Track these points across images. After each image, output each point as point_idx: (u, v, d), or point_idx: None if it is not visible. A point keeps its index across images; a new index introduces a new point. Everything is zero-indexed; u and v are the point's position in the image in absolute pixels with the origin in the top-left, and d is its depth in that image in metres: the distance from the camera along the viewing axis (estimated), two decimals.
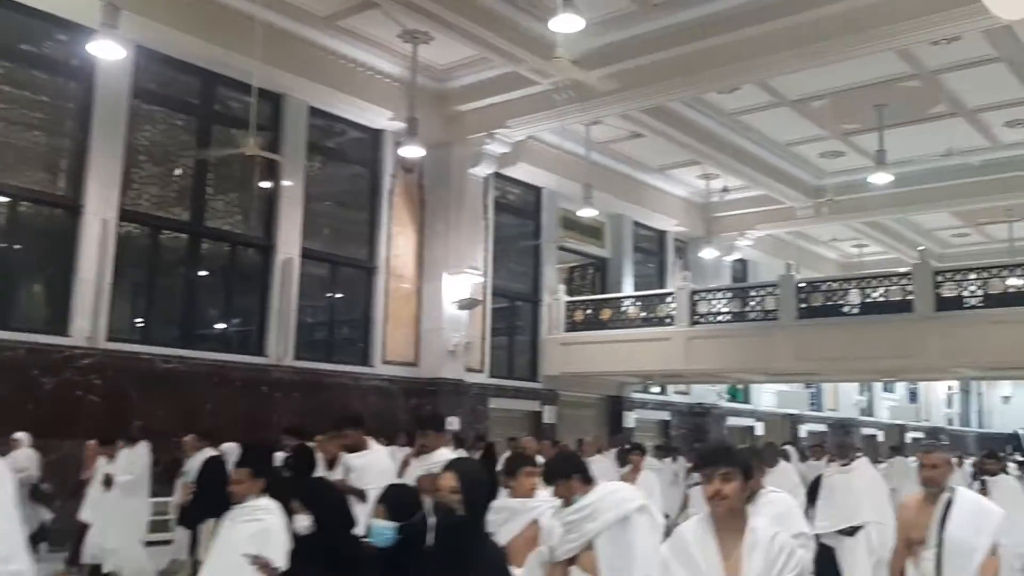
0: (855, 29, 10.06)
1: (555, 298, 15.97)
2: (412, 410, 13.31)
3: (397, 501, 3.51)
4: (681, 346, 14.35)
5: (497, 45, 11.30)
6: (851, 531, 7.32)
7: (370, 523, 3.84)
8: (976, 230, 20.46)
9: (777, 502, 4.37)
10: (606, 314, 15.57)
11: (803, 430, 22.05)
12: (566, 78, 11.63)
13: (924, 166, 15.64)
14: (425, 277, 13.87)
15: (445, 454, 6.57)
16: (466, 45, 11.64)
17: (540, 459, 5.56)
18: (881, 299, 13.06)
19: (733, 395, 20.44)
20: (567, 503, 3.91)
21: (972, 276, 12.38)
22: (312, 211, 12.62)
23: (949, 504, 4.22)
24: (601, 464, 9.70)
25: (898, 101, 13.31)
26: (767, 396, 21.14)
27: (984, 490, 8.01)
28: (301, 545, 4.48)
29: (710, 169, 16.49)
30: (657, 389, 18.31)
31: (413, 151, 12.01)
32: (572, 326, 15.83)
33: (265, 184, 11.84)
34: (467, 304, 13.71)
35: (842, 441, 19.31)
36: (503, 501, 4.21)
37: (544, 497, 4.15)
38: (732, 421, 19.77)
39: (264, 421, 10.90)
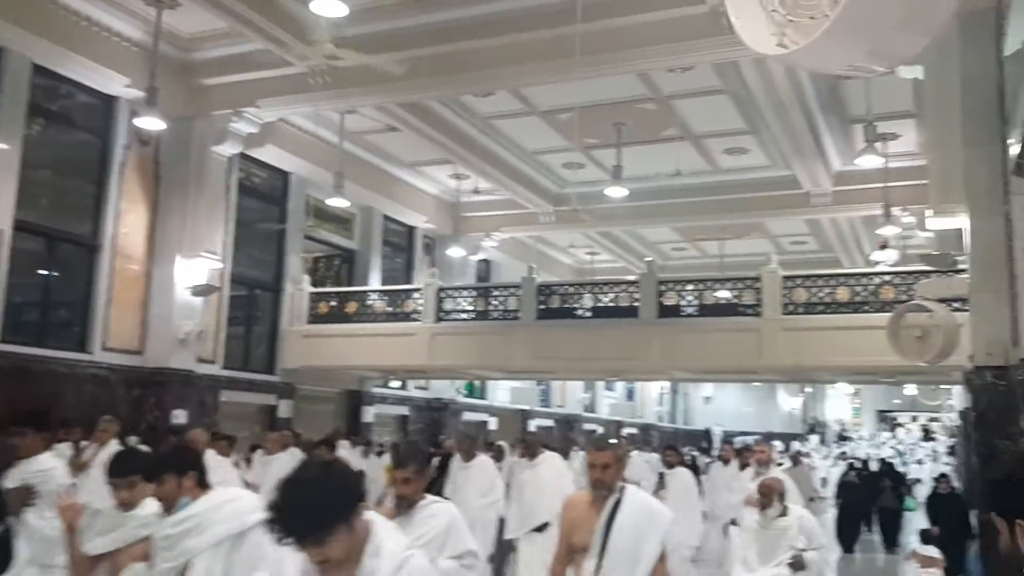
0: (601, 50, 10.64)
1: (299, 288, 15.51)
2: (135, 402, 12.36)
3: None
4: (426, 342, 14.49)
5: (250, 19, 10.75)
6: (543, 528, 7.58)
7: None
8: (693, 245, 22.49)
9: (440, 514, 3.89)
10: (351, 307, 15.37)
11: (533, 425, 23.11)
12: (324, 63, 11.32)
13: (654, 184, 16.93)
14: (157, 259, 12.89)
15: (46, 461, 5.88)
16: (216, 16, 10.98)
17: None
18: (611, 304, 14.01)
19: (470, 391, 21.00)
20: (169, 509, 3.19)
21: (690, 287, 13.60)
22: (29, 179, 11.26)
23: (617, 506, 3.80)
24: (285, 463, 8.75)
25: (635, 121, 14.32)
26: (501, 392, 21.93)
27: (662, 483, 8.68)
28: None
29: (461, 169, 16.79)
30: (397, 384, 18.37)
31: (151, 123, 11.11)
32: (315, 318, 15.46)
33: None
34: (202, 290, 12.93)
35: (564, 435, 20.57)
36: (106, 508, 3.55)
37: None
38: (468, 416, 20.28)
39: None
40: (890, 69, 2.93)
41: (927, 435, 34.83)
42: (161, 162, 13.01)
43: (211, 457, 7.75)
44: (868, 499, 15.57)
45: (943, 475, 10.97)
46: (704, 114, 13.97)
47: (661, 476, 8.90)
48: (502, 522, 8.52)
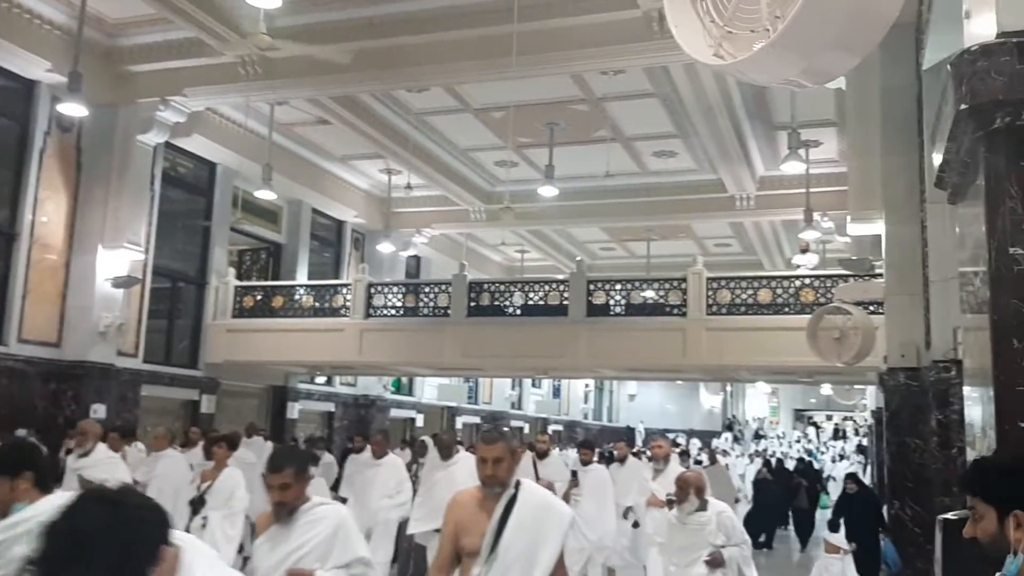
0: (537, 50, 10.74)
1: (224, 282, 15.23)
2: (52, 396, 11.98)
3: None
4: (354, 338, 14.40)
5: (179, 6, 10.54)
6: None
7: None
8: (620, 245, 22.81)
9: (325, 519, 3.57)
10: (278, 302, 15.17)
11: (460, 422, 23.15)
12: (255, 53, 11.14)
13: (584, 184, 17.11)
14: (77, 249, 12.51)
15: None
16: (144, 2, 10.70)
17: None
18: (541, 303, 14.15)
19: (397, 387, 20.92)
20: (3, 514, 2.79)
21: (618, 287, 13.85)
22: None
23: (511, 505, 3.41)
24: (173, 461, 8.53)
25: (568, 121, 14.47)
26: (429, 389, 21.90)
27: (576, 481, 8.39)
28: None
29: (393, 164, 16.70)
30: (323, 380, 18.18)
31: (74, 109, 10.73)
32: (240, 312, 15.22)
33: None
34: (124, 282, 12.60)
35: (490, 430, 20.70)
36: None
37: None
38: (395, 413, 20.20)
39: None
40: (820, 84, 3.06)
41: (837, 434, 36.05)
42: (83, 149, 12.63)
43: (101, 451, 7.44)
44: (783, 497, 15.55)
45: (850, 475, 11.29)
46: (635, 117, 14.21)
47: (574, 474, 8.74)
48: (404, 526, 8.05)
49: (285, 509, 3.52)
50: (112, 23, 11.96)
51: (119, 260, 12.56)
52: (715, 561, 5.45)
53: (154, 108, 12.56)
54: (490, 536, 3.35)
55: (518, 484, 3.48)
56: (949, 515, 3.04)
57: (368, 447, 9.05)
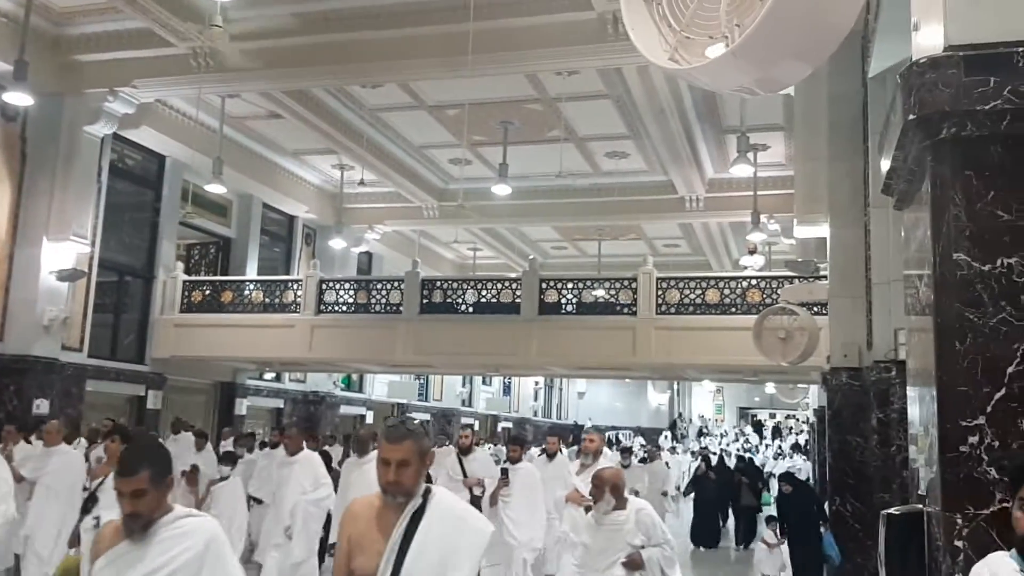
0: (492, 49, 10.80)
1: (172, 276, 15.02)
2: None
3: None
4: (305, 334, 14.32)
5: None
6: None
7: None
8: (572, 244, 22.98)
9: (192, 535, 2.93)
10: (227, 296, 15.01)
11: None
12: (211, 46, 11.01)
13: (538, 183, 17.23)
14: (20, 241, 12.24)
15: None
16: None
17: None
18: (494, 300, 14.21)
19: (347, 384, 20.81)
20: None
21: (570, 285, 13.98)
22: None
23: (418, 517, 2.81)
24: (66, 458, 7.87)
25: (522, 120, 14.55)
26: (379, 385, 21.82)
27: (506, 479, 7.97)
28: None
29: (346, 160, 16.61)
30: (272, 376, 18.01)
31: (18, 98, 10.50)
32: (188, 307, 15.02)
33: None
34: (69, 275, 12.36)
35: (440, 431, 20.64)
36: None
37: None
38: (345, 409, 20.09)
39: None
40: (772, 93, 3.15)
41: (777, 432, 36.70)
42: (28, 139, 12.36)
43: None
44: (723, 495, 15.30)
45: (784, 475, 11.31)
46: (588, 117, 14.34)
47: (504, 472, 8.08)
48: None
49: (139, 522, 2.87)
50: (60, 11, 11.71)
51: (64, 253, 12.32)
52: (633, 563, 5.00)
53: (102, 99, 12.34)
54: (388, 558, 2.75)
55: (427, 492, 2.87)
56: (892, 510, 3.18)
57: (282, 443, 8.35)
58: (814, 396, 21.47)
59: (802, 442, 29.53)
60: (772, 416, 39.94)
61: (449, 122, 14.79)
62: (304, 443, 8.00)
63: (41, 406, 11.79)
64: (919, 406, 3.06)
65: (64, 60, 12.19)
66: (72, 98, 12.38)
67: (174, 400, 15.19)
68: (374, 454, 7.21)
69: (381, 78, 12.57)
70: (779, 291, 11.90)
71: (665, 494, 13.82)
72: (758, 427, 38.64)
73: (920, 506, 2.95)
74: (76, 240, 12.48)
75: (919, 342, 3.03)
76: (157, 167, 15.01)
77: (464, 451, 8.59)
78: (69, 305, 12.50)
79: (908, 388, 3.50)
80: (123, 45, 11.92)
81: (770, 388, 30.44)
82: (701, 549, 14.13)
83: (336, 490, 7.87)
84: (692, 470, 18.73)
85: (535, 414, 33.60)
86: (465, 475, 8.23)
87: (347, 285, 14.86)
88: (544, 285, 13.94)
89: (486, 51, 10.71)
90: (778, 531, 9.74)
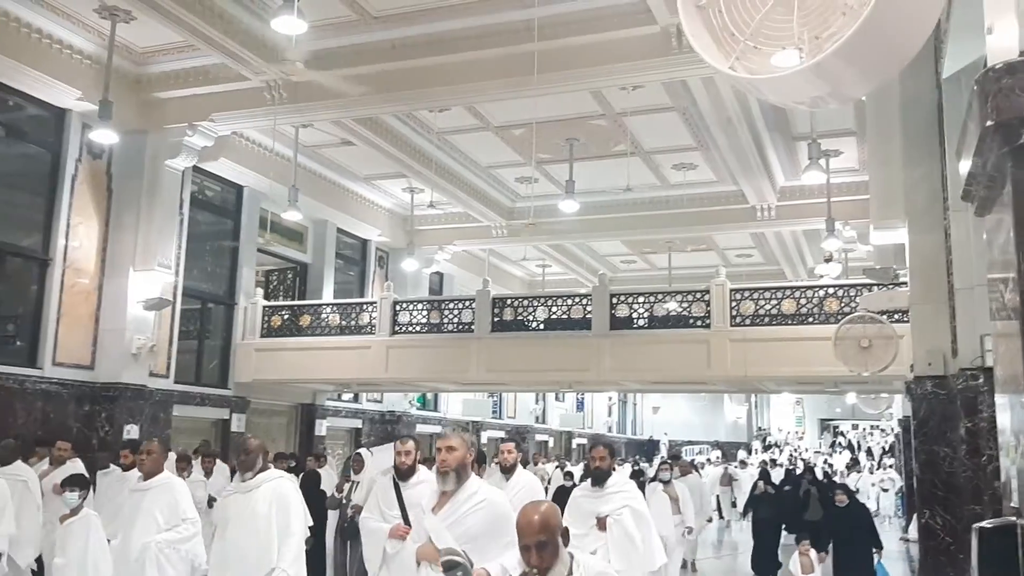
0: (556, 68, 10.89)
1: (252, 302, 15.44)
2: (86, 418, 12.19)
3: None
4: (381, 355, 14.54)
5: (206, 34, 10.72)
6: None
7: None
8: (641, 258, 22.88)
9: None
10: (305, 320, 15.34)
11: (485, 436, 23.22)
12: (284, 78, 11.37)
13: (605, 198, 17.24)
14: (108, 273, 12.74)
15: None
16: (172, 30, 10.94)
17: None
18: (564, 316, 14.22)
19: (422, 403, 21.05)
20: None
21: (641, 299, 13.89)
22: None
23: None
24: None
25: (587, 137, 14.60)
26: (454, 404, 22.01)
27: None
28: None
29: (415, 183, 16.90)
30: (349, 396, 18.33)
31: (104, 136, 11.08)
32: (268, 331, 15.40)
33: None
34: (155, 304, 12.81)
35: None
36: None
37: None
38: (421, 428, 20.31)
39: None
40: (839, 105, 3.12)
41: (852, 447, 35.61)
42: (113, 175, 12.89)
43: None
44: (785, 512, 13.84)
45: (841, 484, 10.49)
46: (654, 130, 14.31)
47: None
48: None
49: None
50: (140, 51, 12.22)
51: (150, 283, 12.78)
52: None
53: (182, 133, 12.80)
54: None
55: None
56: (984, 523, 3.10)
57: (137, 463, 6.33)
58: (898, 405, 20.88)
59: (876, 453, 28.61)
60: (855, 427, 38.91)
61: (515, 141, 14.93)
62: (175, 462, 6.64)
63: (131, 431, 12.22)
64: (1009, 414, 2.98)
65: (145, 98, 12.70)
66: (154, 134, 12.89)
67: (256, 423, 15.58)
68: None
69: (448, 102, 12.77)
70: (857, 299, 11.63)
71: (710, 520, 12.54)
72: (837, 439, 37.70)
73: (1013, 518, 2.87)
74: (161, 270, 12.94)
75: (1006, 348, 2.95)
76: (235, 197, 15.50)
77: (506, 471, 6.84)
78: (155, 333, 12.95)
79: (997, 396, 3.41)
80: (200, 81, 12.37)
81: (851, 398, 29.69)
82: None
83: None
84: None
85: (609, 430, 33.41)
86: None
87: (420, 306, 15.06)
88: (615, 300, 13.89)
89: (550, 70, 10.81)
90: (815, 549, 8.79)
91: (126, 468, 8.34)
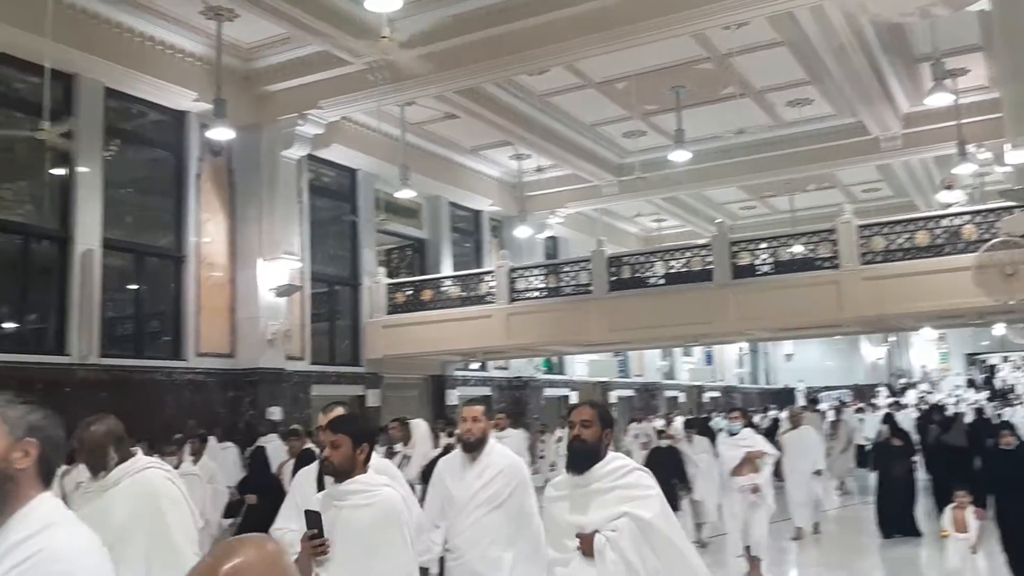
0: (655, 15, 10.61)
1: (376, 281, 15.86)
2: (231, 403, 12.86)
3: None
4: (502, 323, 14.69)
5: (308, 23, 10.99)
6: None
7: None
8: (761, 202, 22.19)
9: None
10: (427, 295, 15.65)
11: (613, 396, 23.20)
12: (385, 58, 11.52)
13: (717, 144, 16.77)
14: (239, 264, 13.36)
15: None
16: (273, 23, 11.25)
17: None
18: (683, 270, 13.96)
19: (548, 367, 21.19)
20: None
21: (763, 245, 13.46)
22: (112, 198, 11.79)
23: None
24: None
25: (693, 83, 14.18)
26: (579, 366, 22.05)
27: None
28: None
29: (521, 149, 16.89)
30: (477, 365, 18.64)
31: (222, 133, 11.54)
32: (394, 308, 15.80)
33: (58, 171, 10.97)
34: (285, 291, 13.35)
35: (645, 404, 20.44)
36: None
37: None
38: (549, 392, 20.48)
39: (69, 425, 10.14)
40: (954, 11, 2.90)
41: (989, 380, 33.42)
42: (234, 170, 13.45)
43: None
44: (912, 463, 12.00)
45: (1005, 423, 8.67)
46: (764, 68, 13.76)
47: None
48: None
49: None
50: (247, 48, 12.63)
51: (278, 270, 13.30)
52: None
53: (293, 124, 13.20)
54: None
55: None
56: None
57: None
58: None
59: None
60: (1005, 359, 36.75)
61: (618, 96, 14.68)
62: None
63: (274, 413, 12.83)
64: None
65: (256, 92, 13.14)
66: (268, 127, 13.34)
67: (391, 397, 16.07)
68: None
69: (547, 63, 12.64)
70: (998, 224, 10.91)
71: (819, 472, 11.26)
72: (989, 374, 35.70)
73: None
74: (287, 257, 13.45)
75: None
76: (350, 181, 15.92)
77: (469, 447, 4.52)
78: (288, 318, 13.50)
79: None
80: (306, 70, 12.69)
81: (1000, 329, 28.03)
82: (896, 539, 10.82)
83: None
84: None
85: (741, 381, 32.75)
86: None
87: (536, 271, 15.11)
88: (735, 248, 13.52)
89: (649, 17, 10.55)
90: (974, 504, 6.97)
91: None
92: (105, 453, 3.65)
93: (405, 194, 14.45)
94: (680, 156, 14.41)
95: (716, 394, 29.43)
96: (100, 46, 11.09)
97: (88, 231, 11.32)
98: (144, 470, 3.66)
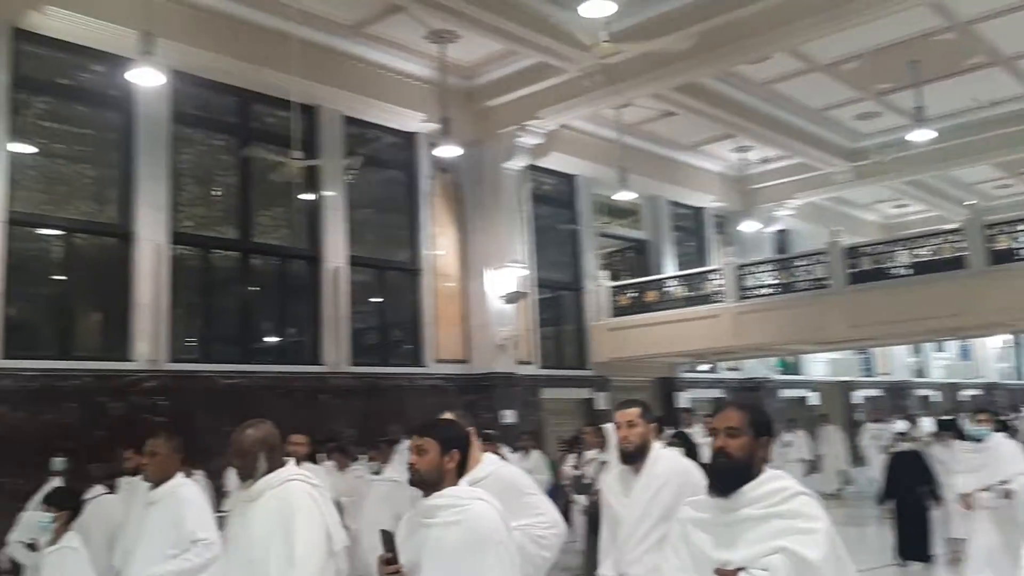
0: None
1: (599, 284, 15.97)
2: (468, 406, 13.36)
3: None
4: (730, 322, 14.27)
5: (523, 37, 11.31)
6: None
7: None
8: (1019, 180, 20.08)
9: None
10: (651, 296, 15.53)
11: (857, 396, 21.82)
12: (600, 63, 11.59)
13: (962, 119, 15.37)
14: (469, 275, 13.95)
15: None
16: (492, 40, 11.65)
17: None
18: (931, 258, 12.88)
19: (783, 367, 20.30)
20: None
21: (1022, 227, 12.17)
22: (355, 219, 12.76)
23: None
24: None
25: (932, 56, 13.08)
26: (818, 365, 20.95)
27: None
28: None
29: (744, 141, 16.36)
30: (706, 367, 18.22)
31: (449, 151, 12.09)
32: (618, 311, 15.81)
33: (307, 196, 12.01)
34: (513, 297, 13.76)
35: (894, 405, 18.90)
36: None
37: None
38: (785, 393, 19.62)
39: (326, 428, 11.04)
40: None
41: None
42: (461, 185, 14.09)
43: None
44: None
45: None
46: (1015, 32, 12.45)
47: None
48: None
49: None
50: (468, 66, 13.16)
51: (506, 278, 13.75)
52: None
53: (514, 136, 13.61)
54: None
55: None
56: None
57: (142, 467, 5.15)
58: None
59: None
60: None
61: (848, 76, 13.85)
62: (180, 464, 4.55)
63: (507, 416, 13.25)
64: None
65: (478, 108, 13.67)
66: (489, 141, 13.83)
67: (619, 399, 16.04)
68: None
69: (768, 49, 12.20)
70: None
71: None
72: None
73: None
74: (514, 265, 13.87)
75: None
76: (569, 187, 16.15)
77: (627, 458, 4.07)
78: (517, 324, 13.91)
79: None
80: (523, 83, 13.04)
81: None
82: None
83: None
84: None
85: (1004, 377, 29.69)
86: None
87: (766, 267, 14.53)
88: (991, 231, 12.30)
89: None
90: None
91: (132, 473, 6.54)
92: (255, 459, 3.55)
93: (624, 196, 14.44)
94: (922, 135, 13.35)
95: (975, 392, 26.87)
96: (338, 78, 12.03)
97: (335, 250, 12.30)
98: (285, 483, 3.54)
